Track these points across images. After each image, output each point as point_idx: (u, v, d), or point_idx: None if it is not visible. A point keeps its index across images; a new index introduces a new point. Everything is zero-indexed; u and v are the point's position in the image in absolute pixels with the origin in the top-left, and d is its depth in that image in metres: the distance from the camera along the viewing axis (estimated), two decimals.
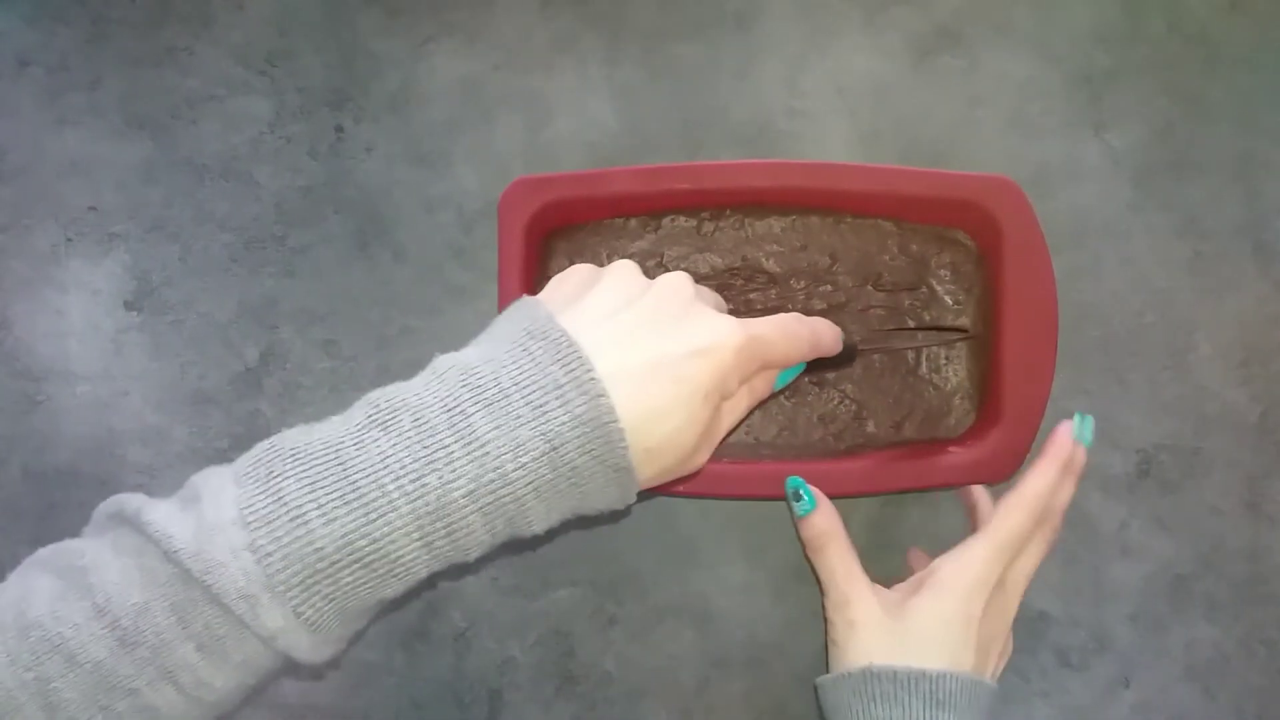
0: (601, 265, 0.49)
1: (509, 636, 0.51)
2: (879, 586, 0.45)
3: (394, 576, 0.33)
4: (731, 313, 0.49)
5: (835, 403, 0.50)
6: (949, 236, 0.50)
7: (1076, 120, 0.53)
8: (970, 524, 0.49)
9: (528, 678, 0.51)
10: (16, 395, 0.53)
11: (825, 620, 0.45)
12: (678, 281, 0.38)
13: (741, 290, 0.50)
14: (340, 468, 0.32)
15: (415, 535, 0.32)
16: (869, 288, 0.50)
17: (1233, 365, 0.52)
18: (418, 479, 0.32)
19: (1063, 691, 0.51)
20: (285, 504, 0.31)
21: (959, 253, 0.50)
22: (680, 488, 0.48)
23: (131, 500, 0.33)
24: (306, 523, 0.31)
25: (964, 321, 0.50)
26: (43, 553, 0.34)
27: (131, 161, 0.54)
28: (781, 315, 0.41)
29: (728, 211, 0.50)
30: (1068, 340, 0.49)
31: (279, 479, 0.32)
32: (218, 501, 0.32)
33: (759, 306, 0.50)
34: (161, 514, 0.32)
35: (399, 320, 0.53)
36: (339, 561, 0.31)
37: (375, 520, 0.32)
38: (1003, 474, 0.47)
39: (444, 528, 0.33)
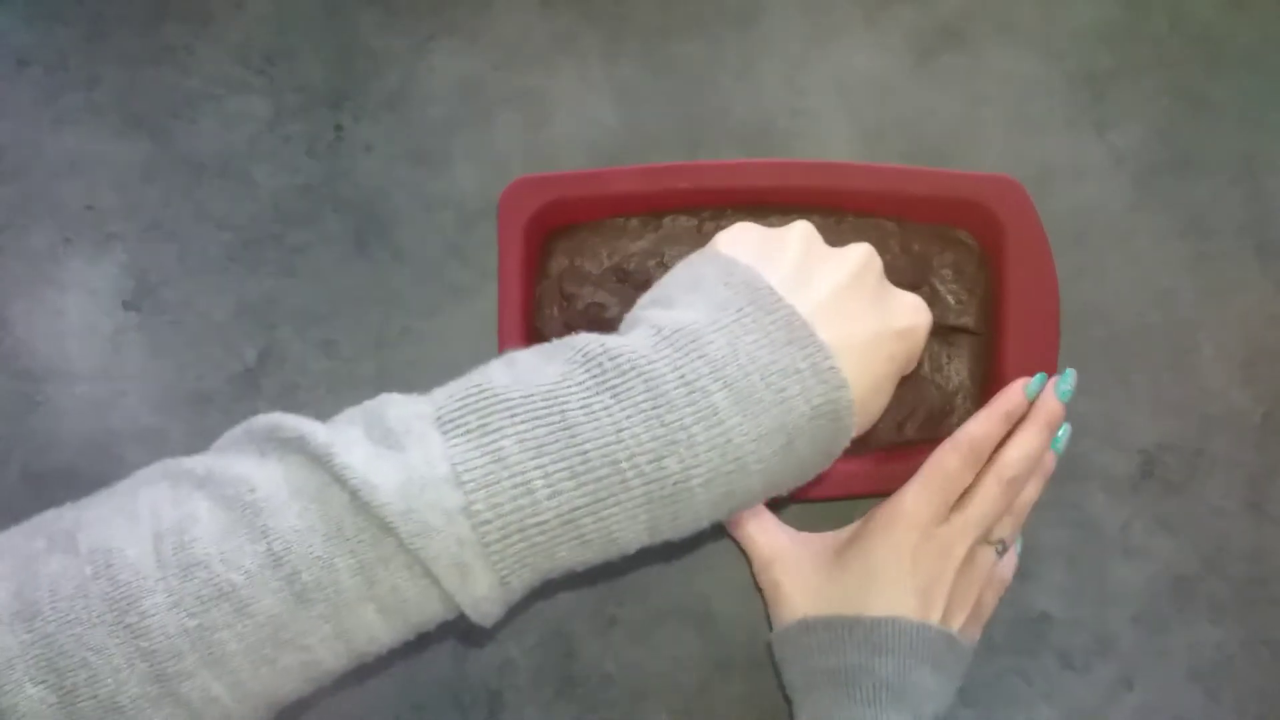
0: (602, 265, 0.50)
1: (509, 638, 0.51)
2: (810, 536, 0.45)
3: (606, 552, 0.31)
4: None
5: None
6: (951, 236, 0.50)
7: (1079, 119, 0.53)
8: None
9: (528, 679, 0.51)
10: (15, 395, 0.53)
11: (757, 588, 0.45)
12: (869, 251, 0.37)
13: None
14: (567, 434, 0.29)
15: (643, 518, 0.30)
16: None
17: (1236, 365, 0.52)
18: (656, 460, 0.29)
19: (1065, 693, 0.51)
20: (507, 466, 0.28)
21: (961, 252, 0.50)
22: None
23: (306, 426, 0.29)
24: (531, 492, 0.28)
25: (966, 321, 0.50)
26: (191, 464, 0.30)
27: (130, 161, 0.54)
28: None
29: (729, 211, 0.50)
30: (1070, 340, 0.49)
31: (496, 435, 0.29)
32: (427, 451, 0.28)
33: None
34: (359, 457, 0.28)
35: (398, 320, 0.53)
36: (559, 536, 0.29)
37: (605, 499, 0.29)
38: None
39: (672, 513, 0.30)
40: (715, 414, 0.29)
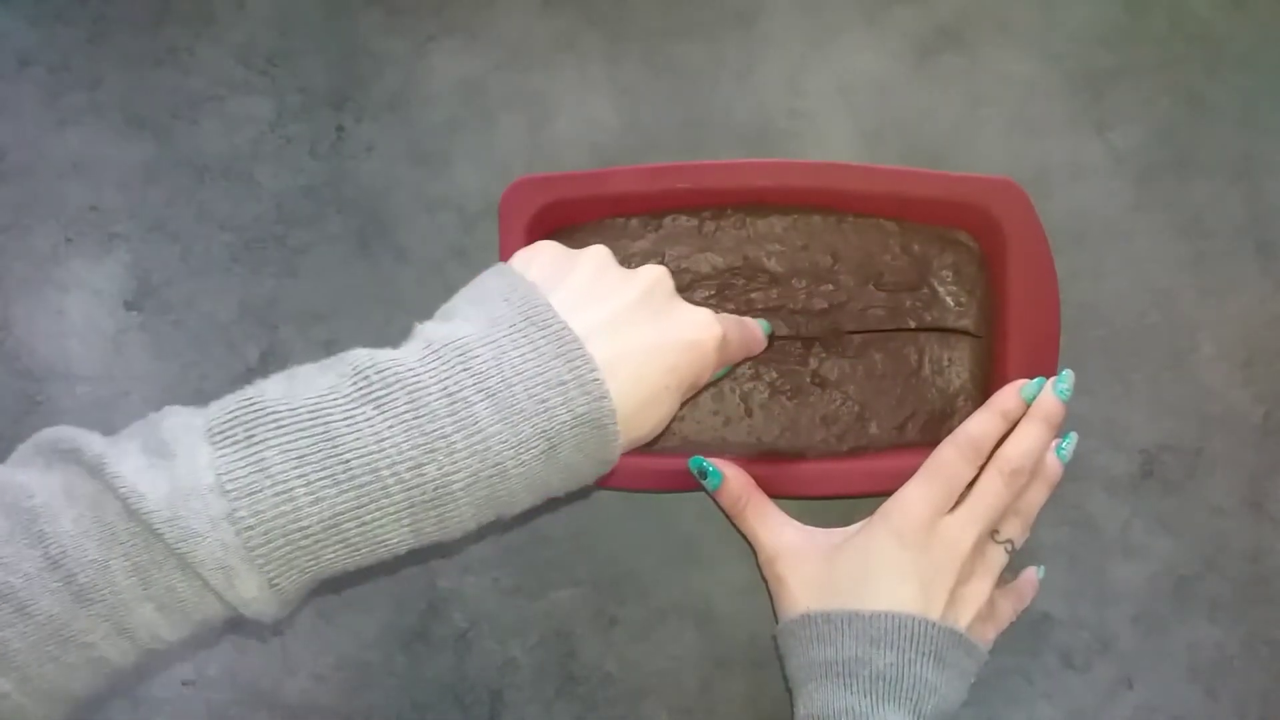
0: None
1: (510, 637, 0.51)
2: (815, 531, 0.45)
3: (375, 554, 0.32)
4: (732, 312, 0.49)
5: (838, 404, 0.50)
6: (951, 237, 0.50)
7: (1078, 120, 0.53)
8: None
9: (529, 679, 0.51)
10: (17, 395, 0.53)
11: (763, 580, 0.46)
12: (661, 271, 0.39)
13: (743, 290, 0.50)
14: (330, 444, 0.30)
15: (406, 521, 0.32)
16: (870, 288, 0.50)
17: (1235, 365, 0.52)
18: (415, 467, 0.31)
19: (1066, 692, 0.51)
20: (270, 475, 0.30)
21: (961, 253, 0.50)
22: (697, 489, 0.48)
23: (83, 439, 0.31)
24: (293, 499, 0.30)
25: (966, 323, 0.50)
26: None
27: (132, 161, 0.54)
28: (729, 315, 0.43)
29: (729, 211, 0.50)
30: (1070, 340, 0.49)
31: (261, 446, 0.30)
32: (193, 461, 0.30)
33: (760, 306, 0.50)
34: (129, 468, 0.30)
35: (400, 320, 0.53)
36: (323, 540, 0.31)
37: (366, 505, 0.31)
38: None
39: (436, 515, 0.32)
40: (476, 423, 0.31)
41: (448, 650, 0.51)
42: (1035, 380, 0.44)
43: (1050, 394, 0.43)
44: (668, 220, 0.50)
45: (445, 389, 0.32)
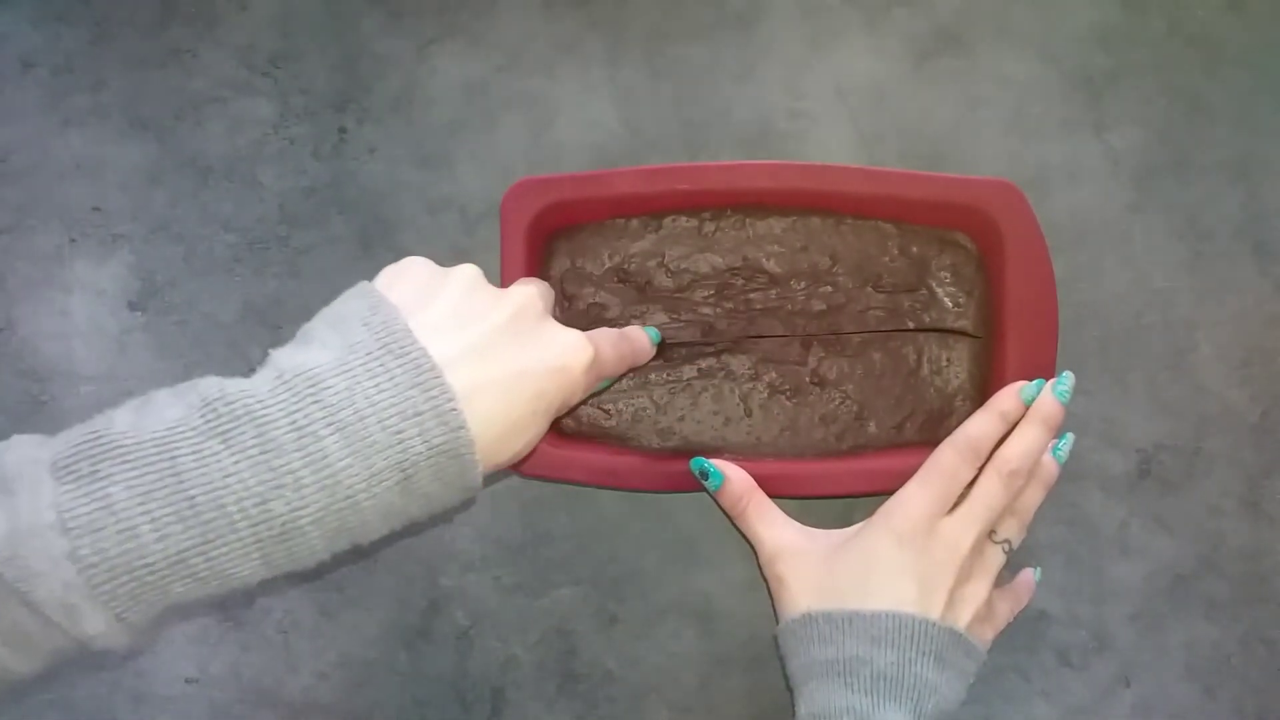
0: (604, 266, 0.50)
1: (511, 635, 0.52)
2: (816, 531, 0.46)
3: (226, 585, 0.32)
4: (731, 313, 0.50)
5: (837, 403, 0.50)
6: (949, 238, 0.50)
7: (1077, 121, 0.53)
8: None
9: (530, 676, 0.52)
10: (21, 395, 0.53)
11: (764, 580, 0.46)
12: (531, 293, 0.38)
13: (742, 290, 0.50)
14: (176, 479, 0.30)
15: (255, 555, 0.31)
16: (869, 289, 0.50)
17: (1233, 365, 0.52)
18: (262, 504, 0.30)
19: (1063, 691, 0.51)
20: (113, 513, 0.29)
21: (959, 255, 0.50)
22: (698, 488, 0.48)
23: None
24: (137, 536, 0.29)
25: (964, 324, 0.50)
26: None
27: (136, 162, 0.54)
28: (610, 331, 0.43)
29: (729, 212, 0.50)
30: (1068, 341, 0.49)
31: (105, 482, 0.30)
32: (35, 499, 0.29)
33: (759, 307, 0.50)
34: None
35: None
36: (169, 575, 0.30)
37: (213, 540, 0.30)
38: None
39: (285, 549, 0.32)
40: (324, 458, 0.31)
41: (449, 648, 0.52)
42: (1034, 382, 0.44)
43: (1049, 396, 0.44)
44: (668, 221, 0.50)
45: (294, 423, 0.31)
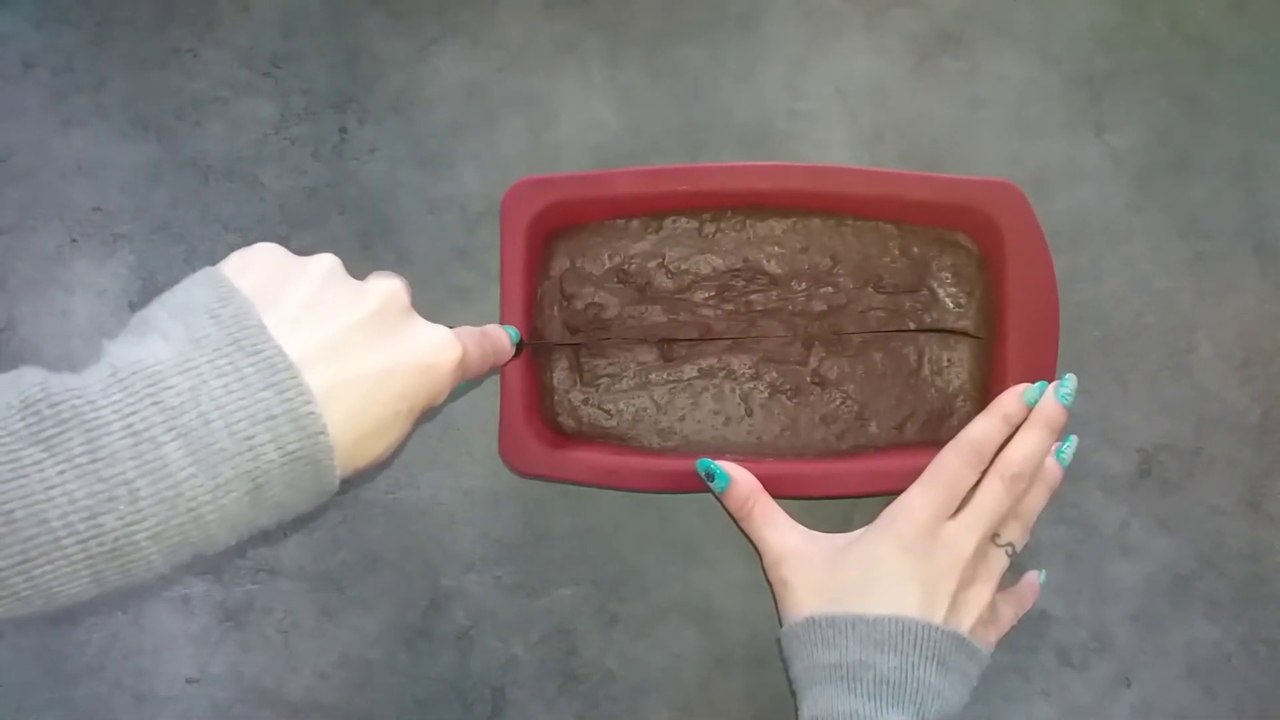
0: (604, 266, 0.50)
1: (512, 635, 0.52)
2: (820, 535, 0.46)
3: (54, 603, 0.29)
4: (732, 314, 0.50)
5: (837, 403, 0.50)
6: (950, 239, 0.50)
7: (1077, 121, 0.53)
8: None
9: (531, 676, 0.52)
10: None
11: (766, 581, 0.46)
12: (395, 286, 0.36)
13: (742, 291, 0.50)
14: None
15: (84, 573, 0.28)
16: (870, 289, 0.50)
17: (1233, 365, 0.52)
18: (91, 519, 0.27)
19: (1064, 690, 0.51)
20: None
21: (960, 255, 0.50)
22: (699, 488, 0.48)
23: None
24: None
25: (965, 325, 0.50)
26: None
27: (137, 163, 0.54)
28: (472, 329, 0.40)
29: (729, 213, 0.50)
30: (1068, 341, 0.49)
31: None
32: None
33: (760, 308, 0.50)
34: None
35: None
36: None
37: (35, 559, 0.27)
38: None
39: (119, 565, 0.28)
40: (164, 466, 0.28)
41: (450, 648, 0.52)
42: (1037, 384, 0.44)
43: (1052, 399, 0.44)
44: (668, 222, 0.50)
45: (129, 427, 0.28)
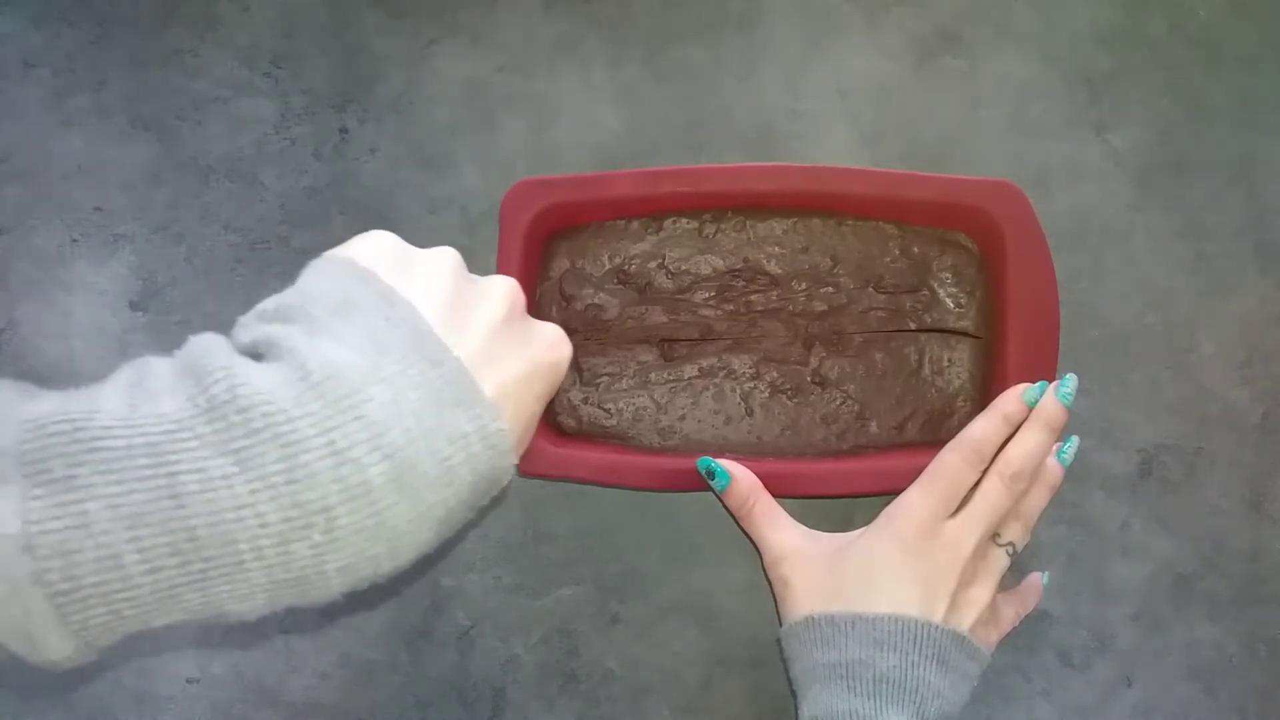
0: (604, 267, 0.50)
1: (513, 635, 0.52)
2: (820, 534, 0.46)
3: (220, 619, 0.27)
4: (732, 314, 0.50)
5: (838, 403, 0.50)
6: (951, 239, 0.50)
7: (1078, 121, 0.53)
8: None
9: (531, 676, 0.52)
10: None
11: (766, 580, 0.46)
12: (513, 283, 0.33)
13: (743, 292, 0.50)
14: (174, 503, 0.24)
15: (261, 598, 0.26)
16: (870, 290, 0.50)
17: (1234, 365, 0.52)
18: (282, 545, 0.25)
19: (1064, 691, 0.51)
20: (92, 535, 0.24)
21: (961, 255, 0.50)
22: (699, 487, 0.48)
23: None
24: (122, 566, 0.24)
25: (966, 325, 0.50)
26: None
27: (137, 162, 0.54)
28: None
29: (729, 213, 0.50)
30: (1069, 341, 0.49)
31: (83, 493, 0.24)
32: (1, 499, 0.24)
33: (760, 308, 0.50)
34: None
35: None
36: (154, 608, 0.25)
37: (214, 579, 0.25)
38: None
39: (298, 592, 0.26)
40: (369, 494, 0.25)
41: (451, 648, 0.52)
42: (1038, 384, 0.44)
43: (1052, 398, 0.44)
44: (668, 222, 0.50)
45: (332, 444, 0.25)
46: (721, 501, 0.48)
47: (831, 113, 0.53)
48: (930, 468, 0.43)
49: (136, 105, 0.54)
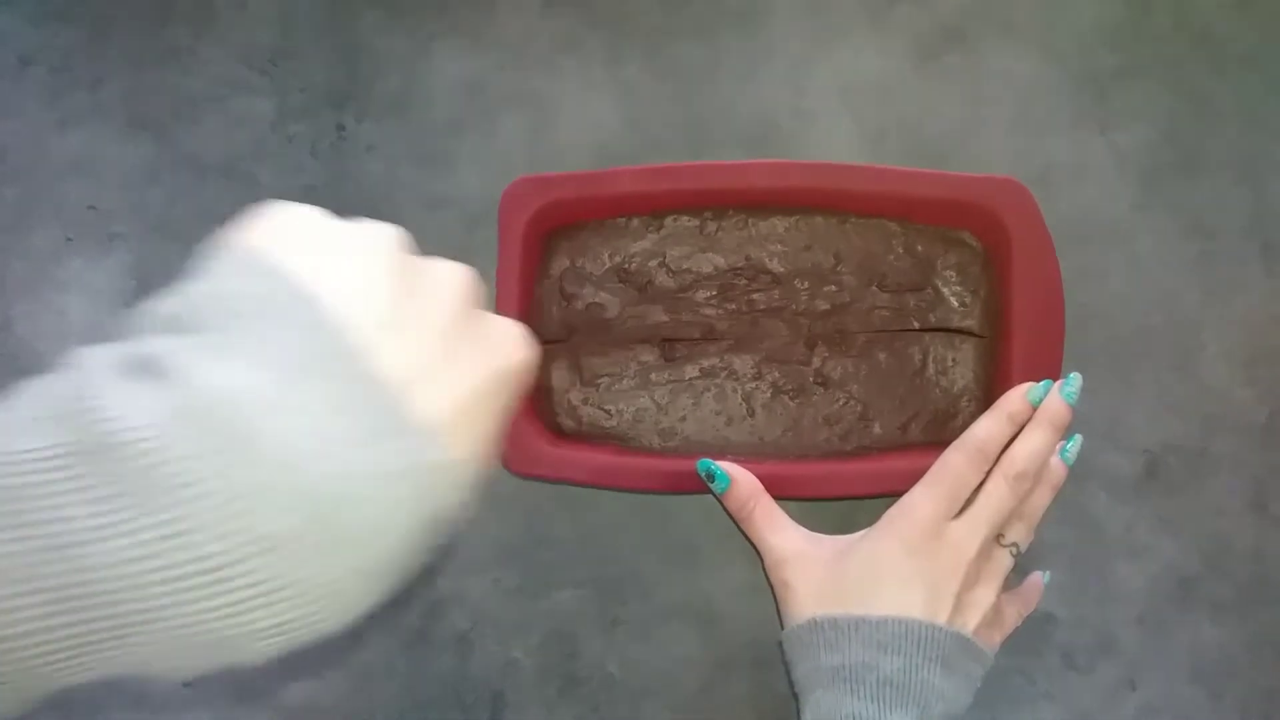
0: (604, 266, 0.50)
1: (512, 638, 0.51)
2: (822, 537, 0.45)
3: (146, 678, 0.25)
4: (734, 313, 0.49)
5: (841, 404, 0.49)
6: (955, 237, 0.50)
7: (1082, 120, 0.53)
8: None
9: (531, 679, 0.51)
10: None
11: (768, 583, 0.46)
12: (462, 269, 0.28)
13: (745, 290, 0.50)
14: (58, 553, 0.21)
15: (184, 660, 0.23)
16: (874, 288, 0.50)
17: (1239, 366, 0.52)
18: (190, 605, 0.21)
19: (1068, 693, 0.51)
20: None
21: (965, 253, 0.50)
22: (700, 489, 0.48)
23: None
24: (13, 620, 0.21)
25: (970, 324, 0.50)
26: None
27: (134, 161, 0.54)
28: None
29: (731, 211, 0.50)
30: (1073, 341, 0.49)
31: None
32: None
33: (762, 307, 0.49)
34: None
35: None
36: (66, 664, 0.23)
37: (129, 635, 0.22)
38: None
39: (225, 656, 0.23)
40: (277, 548, 0.21)
41: (449, 651, 0.51)
42: (1042, 383, 0.44)
43: (1057, 398, 0.43)
44: (669, 220, 0.50)
45: (228, 490, 0.21)
46: (722, 504, 0.47)
47: (834, 111, 0.53)
48: (934, 468, 0.43)
49: (133, 103, 0.54)
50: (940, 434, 0.49)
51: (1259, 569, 0.51)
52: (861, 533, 0.44)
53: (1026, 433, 0.43)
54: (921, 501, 0.42)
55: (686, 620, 0.51)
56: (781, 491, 0.47)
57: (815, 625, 0.42)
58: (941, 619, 0.41)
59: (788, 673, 0.44)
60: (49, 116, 0.54)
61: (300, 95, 0.54)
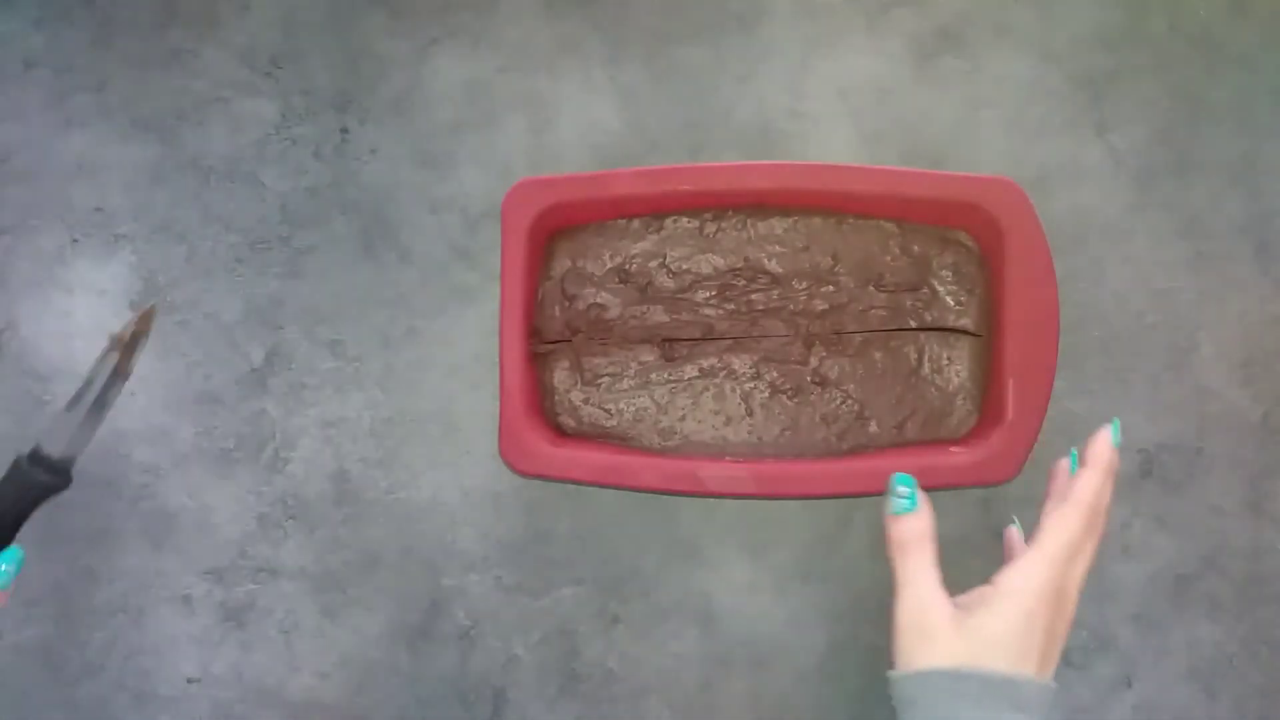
0: (605, 266, 0.50)
1: (513, 635, 0.52)
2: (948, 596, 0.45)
3: None
4: (733, 313, 0.50)
5: (838, 403, 0.50)
6: (951, 237, 0.50)
7: (1078, 121, 0.53)
8: (1006, 556, 0.48)
9: (532, 676, 0.52)
10: (23, 395, 0.53)
11: (892, 620, 0.44)
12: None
13: (744, 291, 0.50)
14: None
15: None
16: (871, 288, 0.50)
17: (1235, 365, 0.52)
18: None
19: (1065, 691, 0.51)
20: None
21: (961, 253, 0.50)
22: (699, 488, 0.48)
23: None
24: None
25: (965, 323, 0.50)
26: None
27: (138, 163, 0.54)
28: None
29: (730, 212, 0.50)
30: (1069, 341, 0.49)
31: None
32: None
33: (761, 307, 0.50)
34: None
35: (404, 320, 0.53)
36: None
37: None
38: (1004, 475, 0.47)
39: None
40: None
41: (451, 648, 0.52)
42: (1113, 424, 0.44)
43: (1116, 452, 0.43)
44: (669, 222, 0.50)
45: None
46: (886, 524, 0.43)
47: (832, 113, 0.53)
48: (1058, 538, 0.42)
49: (137, 106, 0.54)
50: (936, 432, 0.49)
51: (1254, 567, 0.51)
52: (979, 595, 0.44)
53: (1104, 479, 0.43)
54: (1048, 572, 0.41)
55: (686, 618, 0.52)
56: (780, 491, 0.47)
57: (962, 677, 0.42)
58: (1049, 673, 0.42)
59: (900, 711, 0.43)
60: (54, 118, 0.54)
61: (303, 98, 0.54)
